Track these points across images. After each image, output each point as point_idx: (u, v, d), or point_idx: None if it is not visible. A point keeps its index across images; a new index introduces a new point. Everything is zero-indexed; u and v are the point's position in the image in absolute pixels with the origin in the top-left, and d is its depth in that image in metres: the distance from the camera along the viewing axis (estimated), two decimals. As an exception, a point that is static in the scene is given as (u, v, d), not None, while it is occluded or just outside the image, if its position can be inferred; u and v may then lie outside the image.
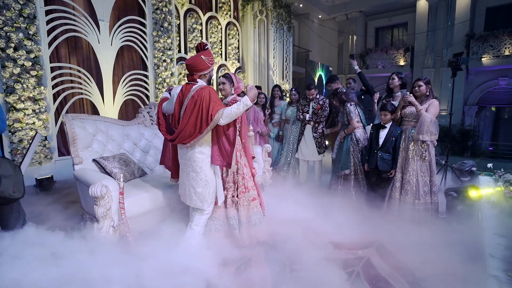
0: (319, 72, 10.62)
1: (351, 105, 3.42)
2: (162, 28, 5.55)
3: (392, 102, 3.35)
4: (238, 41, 7.55)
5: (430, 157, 3.00)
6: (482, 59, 9.71)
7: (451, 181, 4.09)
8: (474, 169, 4.19)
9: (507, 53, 9.51)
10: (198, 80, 2.23)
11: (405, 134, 3.11)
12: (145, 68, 5.51)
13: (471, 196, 2.84)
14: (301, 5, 10.42)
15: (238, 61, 7.58)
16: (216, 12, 6.93)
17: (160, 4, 5.49)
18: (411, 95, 3.02)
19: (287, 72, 8.67)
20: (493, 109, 10.83)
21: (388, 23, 12.22)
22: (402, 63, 11.36)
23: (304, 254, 2.23)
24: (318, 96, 4.02)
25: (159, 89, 5.65)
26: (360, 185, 3.39)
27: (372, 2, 11.28)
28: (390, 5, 11.29)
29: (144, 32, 5.40)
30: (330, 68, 11.36)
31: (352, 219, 2.83)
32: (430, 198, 2.97)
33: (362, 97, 4.28)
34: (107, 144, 3.04)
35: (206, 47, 2.23)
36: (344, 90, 3.60)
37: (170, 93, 2.42)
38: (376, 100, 3.78)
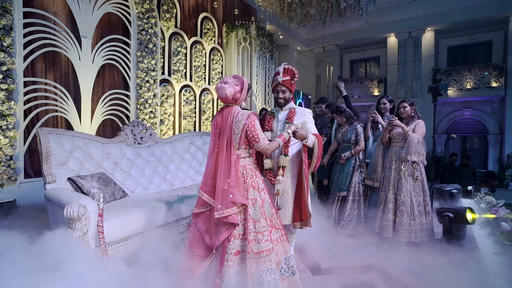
0: (299, 100, 10.92)
1: (360, 125, 3.38)
2: (146, 49, 5.48)
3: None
4: (222, 66, 7.63)
5: (422, 177, 3.01)
6: (448, 91, 10.51)
7: (437, 203, 4.12)
8: (454, 191, 4.24)
9: (468, 86, 10.38)
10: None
11: (396, 156, 3.13)
12: (126, 88, 5.32)
13: (467, 218, 2.83)
14: (281, 36, 10.91)
15: (222, 86, 7.59)
16: (201, 37, 7.02)
17: (146, 26, 5.46)
18: (396, 118, 3.08)
19: (269, 99, 8.81)
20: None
21: (362, 56, 13.05)
22: (376, 93, 12.00)
23: (305, 280, 2.04)
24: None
25: (141, 109, 5.44)
26: (357, 206, 3.30)
27: (346, 37, 12.09)
28: (363, 40, 12.13)
29: (128, 52, 5.28)
30: (309, 96, 11.74)
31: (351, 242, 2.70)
32: (425, 218, 2.94)
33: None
34: (84, 162, 2.76)
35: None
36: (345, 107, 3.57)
37: None
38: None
